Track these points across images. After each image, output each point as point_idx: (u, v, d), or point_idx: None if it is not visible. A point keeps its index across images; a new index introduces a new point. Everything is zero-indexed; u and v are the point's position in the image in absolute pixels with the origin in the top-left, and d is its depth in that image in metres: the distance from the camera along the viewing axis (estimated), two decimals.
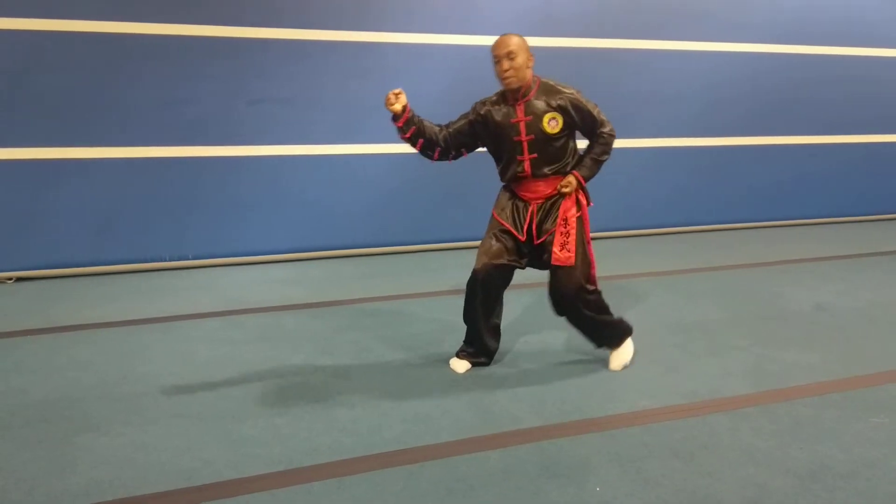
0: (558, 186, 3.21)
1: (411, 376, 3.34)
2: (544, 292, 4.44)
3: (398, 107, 3.23)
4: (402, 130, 3.30)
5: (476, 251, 3.35)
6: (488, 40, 5.69)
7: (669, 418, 2.90)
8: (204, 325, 4.07)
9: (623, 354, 3.42)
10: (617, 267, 5.33)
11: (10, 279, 5.08)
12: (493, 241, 3.30)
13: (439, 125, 3.37)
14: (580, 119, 3.20)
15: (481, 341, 3.41)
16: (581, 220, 3.24)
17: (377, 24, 5.52)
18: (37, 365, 3.48)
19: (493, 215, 3.36)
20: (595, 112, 3.21)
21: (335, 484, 2.42)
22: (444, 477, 2.47)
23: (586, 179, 3.23)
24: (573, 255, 3.19)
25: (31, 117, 4.96)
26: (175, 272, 5.29)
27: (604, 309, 3.33)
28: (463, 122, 3.35)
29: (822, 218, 7.15)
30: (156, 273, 5.28)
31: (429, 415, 2.95)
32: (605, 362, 3.44)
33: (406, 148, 5.71)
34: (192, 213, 5.35)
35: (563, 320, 3.36)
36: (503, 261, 3.28)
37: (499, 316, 3.43)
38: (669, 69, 6.41)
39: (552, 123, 3.17)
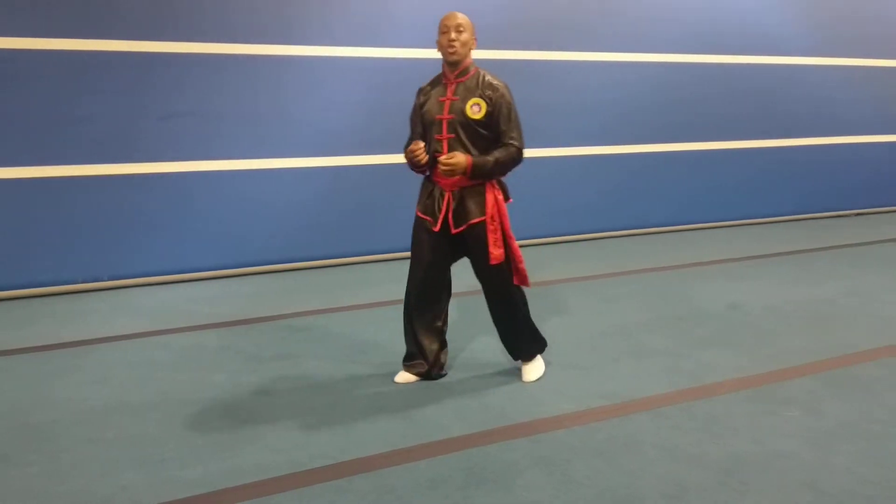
0: (440, 158, 3.13)
1: (338, 390, 3.32)
2: (466, 301, 4.48)
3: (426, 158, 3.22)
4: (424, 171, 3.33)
5: (403, 261, 3.36)
6: (401, 53, 5.80)
7: (592, 420, 2.97)
8: (122, 348, 3.94)
9: (536, 368, 3.44)
10: (536, 274, 5.42)
11: None
12: (422, 247, 3.32)
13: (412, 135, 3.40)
14: (497, 114, 3.19)
15: (421, 347, 3.40)
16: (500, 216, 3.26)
17: (292, 38, 5.48)
18: None
19: (416, 213, 3.36)
20: (513, 117, 3.22)
21: None
22: (372, 490, 2.46)
23: (475, 170, 3.15)
24: (503, 250, 3.24)
25: None
26: (90, 294, 5.10)
27: (526, 306, 3.39)
28: (414, 115, 3.38)
29: (732, 221, 7.44)
30: (70, 296, 5.07)
31: (356, 428, 2.93)
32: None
33: (321, 161, 5.72)
34: (105, 233, 5.17)
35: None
36: (434, 262, 3.32)
37: (440, 319, 3.44)
38: (580, 80, 6.57)
39: (474, 108, 3.20)
